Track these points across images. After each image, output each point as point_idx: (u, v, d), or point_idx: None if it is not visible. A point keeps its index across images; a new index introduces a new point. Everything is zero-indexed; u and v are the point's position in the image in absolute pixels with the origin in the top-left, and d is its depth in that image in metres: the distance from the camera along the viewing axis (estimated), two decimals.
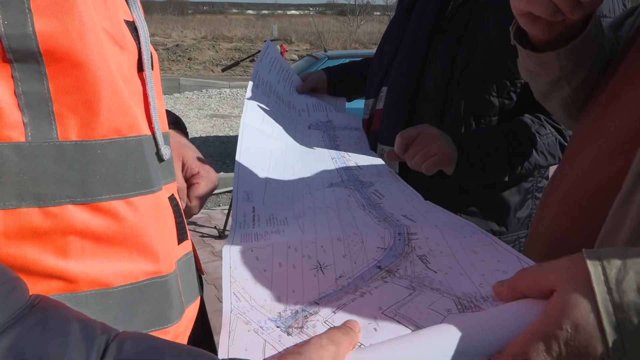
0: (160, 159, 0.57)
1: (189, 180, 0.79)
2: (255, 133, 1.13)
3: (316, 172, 1.11)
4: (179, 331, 0.56)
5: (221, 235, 4.00)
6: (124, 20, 0.54)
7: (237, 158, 1.00)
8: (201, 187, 0.78)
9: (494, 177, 1.20)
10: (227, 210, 4.15)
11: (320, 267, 0.68)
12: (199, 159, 0.81)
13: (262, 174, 1.01)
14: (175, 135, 0.82)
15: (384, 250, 0.71)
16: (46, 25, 0.43)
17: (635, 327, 0.44)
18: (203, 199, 0.80)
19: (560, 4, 0.72)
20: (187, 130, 0.93)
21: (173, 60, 18.95)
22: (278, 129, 1.23)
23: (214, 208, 4.82)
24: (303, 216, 0.88)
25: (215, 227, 4.16)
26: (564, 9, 0.72)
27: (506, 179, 1.21)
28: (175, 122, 0.85)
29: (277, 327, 0.55)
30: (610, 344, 0.44)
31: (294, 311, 0.59)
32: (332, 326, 0.53)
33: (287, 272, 0.66)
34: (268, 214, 0.87)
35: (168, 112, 0.85)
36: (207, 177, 0.80)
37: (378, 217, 0.84)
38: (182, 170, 0.79)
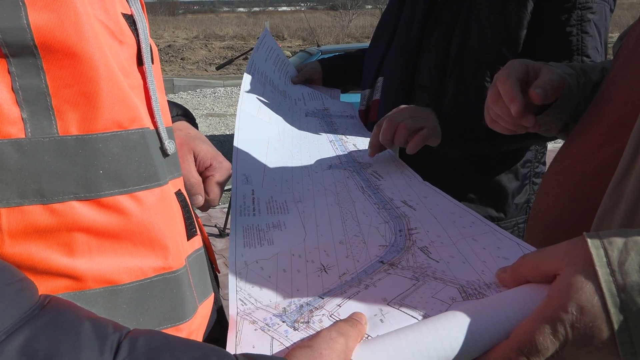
0: (164, 153, 0.56)
1: (203, 174, 0.79)
2: (252, 119, 1.13)
3: (315, 155, 1.12)
4: (193, 328, 0.55)
5: (222, 234, 4.00)
6: (122, 13, 0.53)
7: (235, 142, 1.00)
8: (216, 179, 0.79)
9: (479, 148, 1.18)
10: (226, 209, 4.15)
11: (324, 268, 0.69)
12: (210, 150, 0.81)
13: (260, 157, 1.01)
14: (183, 128, 0.81)
15: (386, 247, 0.71)
16: (40, 17, 0.42)
17: (639, 308, 0.44)
18: (219, 191, 0.80)
19: (515, 128, 0.84)
20: None
21: (166, 61, 18.88)
22: (275, 116, 1.23)
23: (214, 207, 4.82)
24: (302, 199, 0.88)
25: (215, 226, 4.16)
26: (520, 129, 0.84)
27: (492, 151, 1.20)
28: (185, 114, 0.85)
29: (283, 322, 0.55)
30: (615, 325, 0.45)
31: (298, 306, 0.59)
32: (338, 319, 0.53)
33: (292, 276, 0.67)
34: (267, 197, 0.87)
35: (176, 104, 0.84)
36: (221, 167, 0.80)
37: (378, 203, 0.85)
38: (195, 164, 0.78)
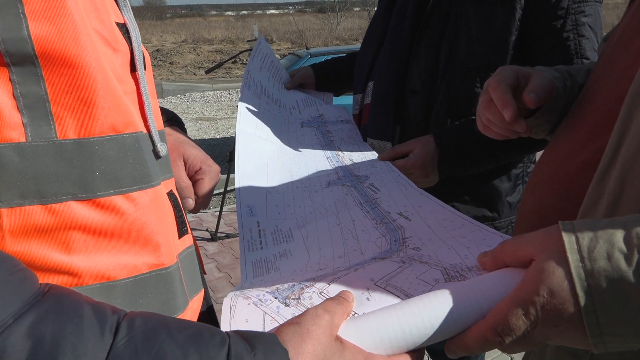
0: (157, 155, 0.59)
1: (193, 177, 0.82)
2: (251, 139, 1.15)
3: (313, 172, 1.14)
4: None
5: (213, 238, 4.00)
6: (115, 22, 0.55)
7: (236, 169, 1.03)
8: (205, 182, 0.82)
9: (480, 169, 1.24)
10: (217, 213, 4.16)
11: (320, 269, 0.72)
12: (199, 154, 0.84)
13: (262, 183, 1.04)
14: (173, 133, 0.84)
15: (380, 252, 0.75)
16: (40, 28, 0.44)
17: (604, 291, 0.47)
18: (209, 193, 0.83)
19: (508, 133, 0.86)
20: None
21: (154, 66, 18.80)
22: (272, 132, 1.26)
23: (205, 211, 4.82)
24: (306, 224, 0.91)
25: (207, 230, 4.16)
26: (512, 135, 0.86)
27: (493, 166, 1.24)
28: (172, 119, 0.87)
29: (275, 298, 0.58)
30: (582, 307, 0.48)
31: (290, 285, 0.62)
32: (327, 297, 0.56)
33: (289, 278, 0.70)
34: (272, 227, 0.91)
35: (164, 110, 0.87)
36: (210, 171, 0.83)
37: (376, 219, 0.88)
38: (185, 168, 0.81)
